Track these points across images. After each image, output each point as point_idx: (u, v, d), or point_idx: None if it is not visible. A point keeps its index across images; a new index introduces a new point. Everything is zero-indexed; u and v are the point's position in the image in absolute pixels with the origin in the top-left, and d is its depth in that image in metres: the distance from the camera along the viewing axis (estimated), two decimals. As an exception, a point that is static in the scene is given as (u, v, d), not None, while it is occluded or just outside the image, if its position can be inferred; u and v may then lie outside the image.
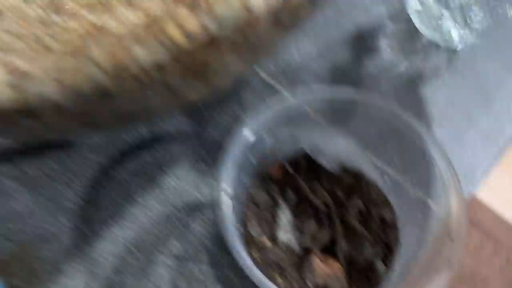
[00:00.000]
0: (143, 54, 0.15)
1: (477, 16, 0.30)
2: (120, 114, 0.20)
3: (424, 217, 0.26)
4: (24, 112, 0.16)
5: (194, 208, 0.29)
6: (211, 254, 0.27)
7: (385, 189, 0.28)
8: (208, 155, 0.30)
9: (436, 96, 0.33)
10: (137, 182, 0.29)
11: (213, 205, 0.28)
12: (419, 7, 0.33)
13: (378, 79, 0.34)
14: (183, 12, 0.15)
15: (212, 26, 0.14)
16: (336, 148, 0.29)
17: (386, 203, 0.27)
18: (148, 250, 0.27)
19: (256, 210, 0.26)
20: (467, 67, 0.34)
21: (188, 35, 0.14)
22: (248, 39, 0.16)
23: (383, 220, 0.27)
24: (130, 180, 0.29)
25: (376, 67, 0.34)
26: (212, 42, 0.15)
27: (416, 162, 0.26)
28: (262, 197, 0.27)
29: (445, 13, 0.31)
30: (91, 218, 0.28)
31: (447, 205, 0.23)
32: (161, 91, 0.17)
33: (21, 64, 0.15)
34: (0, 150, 0.30)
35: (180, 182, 0.29)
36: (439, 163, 0.24)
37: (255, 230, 0.25)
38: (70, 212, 0.28)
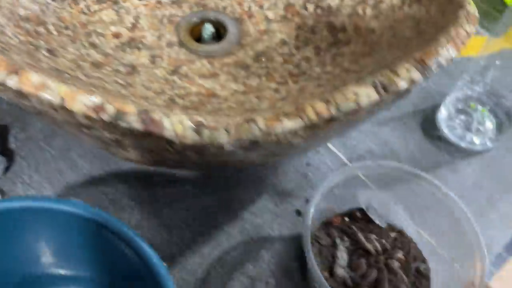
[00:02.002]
0: (289, 123, 0.22)
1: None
2: (245, 161, 0.28)
3: (450, 275, 0.32)
4: (195, 149, 0.23)
5: (266, 241, 0.36)
6: (277, 278, 0.34)
7: (421, 246, 0.35)
8: (281, 202, 0.38)
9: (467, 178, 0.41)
10: (223, 214, 0.37)
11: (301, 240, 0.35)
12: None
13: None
14: (319, 104, 0.22)
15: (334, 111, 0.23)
16: (384, 207, 0.36)
17: (422, 257, 0.34)
18: (228, 268, 0.34)
19: (320, 248, 0.33)
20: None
21: (319, 115, 0.22)
22: (349, 120, 0.24)
23: (418, 271, 0.33)
24: (217, 211, 0.37)
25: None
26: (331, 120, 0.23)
27: (449, 230, 0.33)
28: (324, 239, 0.34)
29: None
30: (185, 236, 0.36)
31: (472, 268, 0.30)
32: (285, 147, 0.25)
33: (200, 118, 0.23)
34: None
35: (258, 220, 0.37)
36: (470, 234, 0.31)
37: (318, 264, 0.32)
38: (169, 228, 0.36)
